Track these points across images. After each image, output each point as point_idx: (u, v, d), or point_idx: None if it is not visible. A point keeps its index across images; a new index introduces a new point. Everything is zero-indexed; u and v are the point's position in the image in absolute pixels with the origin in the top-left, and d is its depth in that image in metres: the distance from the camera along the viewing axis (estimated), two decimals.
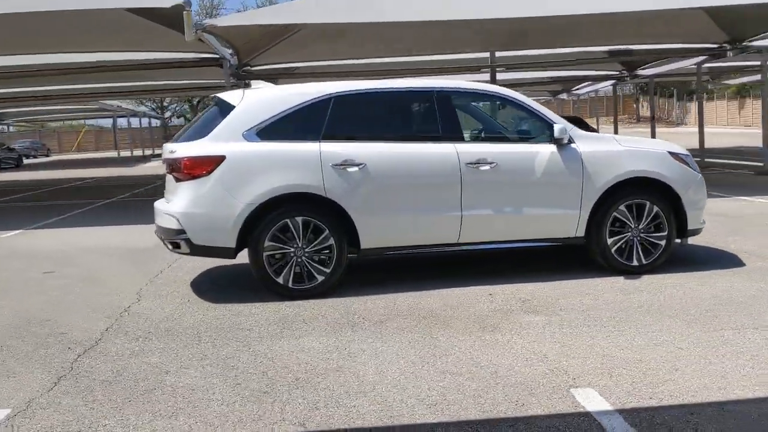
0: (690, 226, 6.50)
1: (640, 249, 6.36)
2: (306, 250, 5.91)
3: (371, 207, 5.96)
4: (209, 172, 5.82)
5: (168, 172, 6.23)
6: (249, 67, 15.93)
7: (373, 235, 6.00)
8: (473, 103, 6.54)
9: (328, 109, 6.09)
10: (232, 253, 5.90)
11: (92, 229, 10.93)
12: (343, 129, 6.12)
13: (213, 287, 6.50)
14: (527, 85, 28.26)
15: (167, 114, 55.73)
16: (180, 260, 7.79)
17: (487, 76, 16.51)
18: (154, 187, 19.64)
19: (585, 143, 6.33)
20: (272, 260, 5.88)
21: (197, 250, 5.94)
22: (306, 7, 11.73)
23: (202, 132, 6.11)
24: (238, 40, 12.66)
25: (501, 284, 6.11)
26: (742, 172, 16.50)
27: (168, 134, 48.15)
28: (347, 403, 3.68)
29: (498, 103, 6.71)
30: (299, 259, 5.90)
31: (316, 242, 5.91)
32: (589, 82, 29.08)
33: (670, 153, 6.53)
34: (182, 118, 51.74)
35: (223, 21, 10.91)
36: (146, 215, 11.79)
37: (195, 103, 45.61)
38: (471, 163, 6.09)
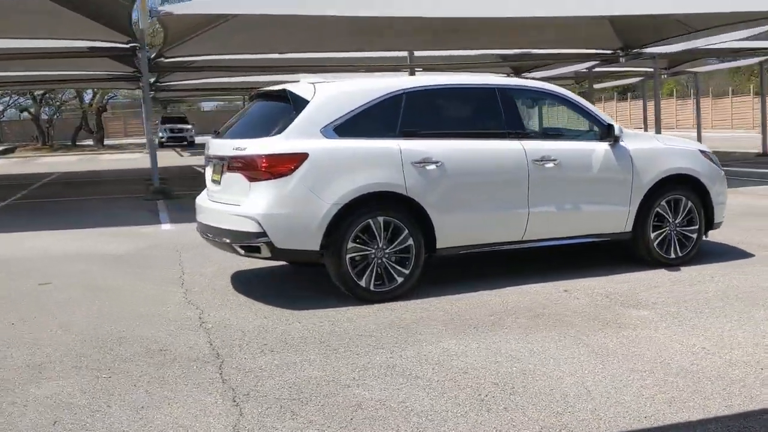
0: (716, 220, 6.94)
1: (676, 242, 6.71)
2: (386, 251, 5.69)
3: (448, 205, 5.85)
4: (292, 171, 5.44)
5: (226, 170, 5.77)
6: (162, 59, 15.01)
7: (449, 234, 5.89)
8: (531, 101, 6.58)
9: (401, 105, 5.90)
10: (316, 255, 5.55)
11: (34, 235, 9.81)
12: (417, 126, 5.97)
13: (265, 293, 6.07)
14: None
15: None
16: (185, 265, 7.24)
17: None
18: (42, 187, 18.05)
19: (632, 141, 6.58)
20: (354, 262, 5.60)
21: (279, 254, 5.54)
22: None
23: (267, 127, 5.73)
24: (172, 29, 11.88)
25: (563, 280, 6.19)
26: None
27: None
28: (585, 407, 3.59)
29: (551, 102, 6.80)
30: (379, 261, 5.67)
31: (396, 243, 5.71)
32: None
33: (700, 151, 6.95)
34: (26, 113, 47.34)
35: (180, 8, 10.17)
36: (72, 217, 10.86)
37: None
38: (537, 160, 6.14)
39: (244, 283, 6.53)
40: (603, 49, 18.13)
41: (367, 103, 5.80)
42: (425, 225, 5.79)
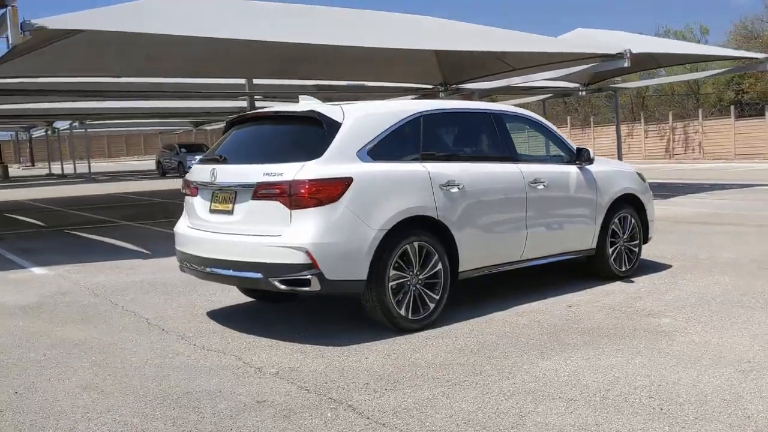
0: (650, 234, 7.70)
1: (625, 256, 7.33)
2: (419, 276, 5.55)
3: (469, 228, 5.86)
4: (339, 196, 5.11)
5: (251, 198, 5.28)
6: None
7: (469, 256, 5.89)
8: (516, 126, 6.80)
9: (420, 128, 5.84)
10: (362, 286, 5.23)
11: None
12: (435, 148, 5.98)
13: (283, 329, 5.59)
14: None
15: None
16: (140, 309, 6.45)
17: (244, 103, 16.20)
18: None
19: (593, 165, 7.09)
20: (393, 291, 5.39)
21: (327, 287, 5.12)
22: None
23: (297, 151, 5.36)
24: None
25: (552, 297, 6.45)
26: None
27: None
28: (760, 408, 3.81)
29: (529, 127, 7.06)
30: (414, 287, 5.51)
31: (427, 268, 5.59)
32: None
33: (636, 173, 7.68)
34: None
35: (56, 22, 8.92)
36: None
37: None
38: (531, 183, 6.39)
39: (238, 321, 5.98)
40: (425, 83, 19.12)
41: (394, 125, 5.66)
42: (450, 248, 5.75)
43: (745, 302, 6.09)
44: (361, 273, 5.18)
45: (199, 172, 5.90)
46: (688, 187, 18.85)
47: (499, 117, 6.48)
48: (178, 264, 6.16)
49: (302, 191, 5.07)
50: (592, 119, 41.07)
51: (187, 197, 6.05)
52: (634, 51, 14.76)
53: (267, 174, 5.22)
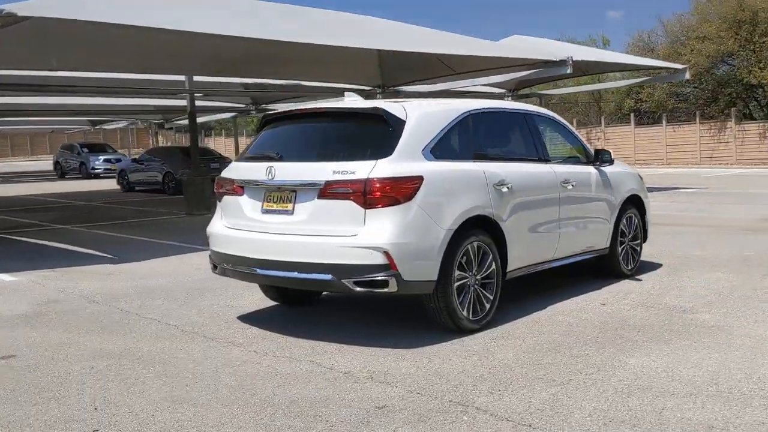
0: (648, 235, 7.97)
1: (630, 255, 7.55)
2: (477, 277, 5.49)
3: (516, 228, 5.86)
4: (412, 196, 4.98)
5: (317, 197, 5.06)
6: None
7: (516, 256, 5.88)
8: (543, 127, 6.83)
9: (470, 127, 5.79)
10: (432, 287, 5.11)
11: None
12: (485, 147, 5.97)
13: (337, 332, 5.39)
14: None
15: None
16: (157, 313, 6.08)
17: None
18: None
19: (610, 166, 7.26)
20: (457, 291, 5.30)
21: (403, 288, 4.96)
22: None
23: (363, 149, 5.20)
24: None
25: (580, 296, 6.57)
26: None
27: None
28: None
29: (551, 128, 7.10)
30: (473, 288, 5.45)
31: (483, 268, 5.54)
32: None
33: (637, 174, 7.92)
34: None
35: (29, 9, 8.15)
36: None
37: None
38: (562, 182, 6.47)
39: (279, 325, 5.77)
40: (364, 85, 19.04)
41: (449, 123, 5.58)
42: (501, 248, 5.72)
43: (761, 296, 6.40)
44: (433, 274, 5.07)
45: (247, 169, 5.61)
46: None
47: (531, 117, 6.53)
48: (212, 265, 5.83)
49: (377, 190, 4.90)
50: None
51: (225, 197, 5.73)
52: (575, 58, 15.28)
53: (337, 172, 5.02)
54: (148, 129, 44.13)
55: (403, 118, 5.27)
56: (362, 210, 4.93)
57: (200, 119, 26.24)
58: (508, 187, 5.76)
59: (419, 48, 15.17)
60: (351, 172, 4.98)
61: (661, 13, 79.90)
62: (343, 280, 4.94)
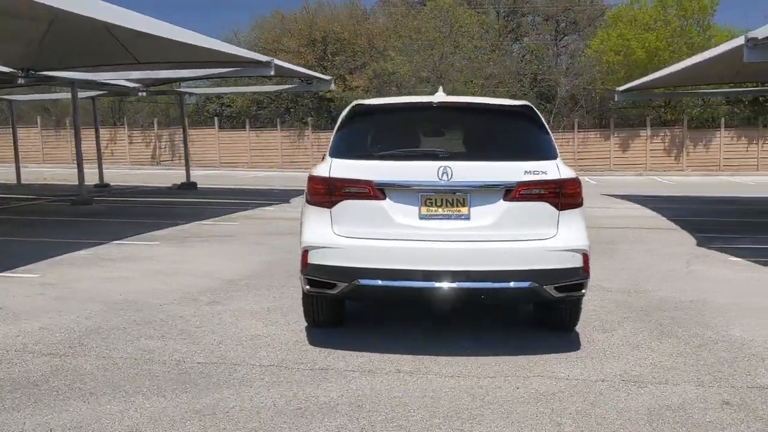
0: None
1: None
2: None
3: None
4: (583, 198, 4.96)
5: (505, 199, 4.68)
6: None
7: None
8: None
9: None
10: None
11: None
12: None
13: (462, 342, 4.99)
14: None
15: None
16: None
17: None
18: None
19: None
20: None
21: (584, 291, 4.87)
22: None
23: (528, 148, 5.01)
24: None
25: None
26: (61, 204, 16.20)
27: None
28: None
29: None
30: None
31: None
32: None
33: None
34: None
35: None
36: None
37: None
38: None
39: (364, 341, 5.01)
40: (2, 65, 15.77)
41: None
42: None
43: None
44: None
45: (397, 170, 4.77)
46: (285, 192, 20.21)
47: None
48: (316, 284, 4.75)
49: (570, 191, 4.78)
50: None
51: (344, 202, 4.74)
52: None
53: (528, 172, 4.70)
54: None
55: (541, 118, 5.19)
56: (556, 212, 4.75)
57: None
58: None
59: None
60: (543, 172, 4.75)
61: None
62: (544, 287, 4.66)
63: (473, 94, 34.15)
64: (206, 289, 6.98)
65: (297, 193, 19.46)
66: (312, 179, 4.90)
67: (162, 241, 10.22)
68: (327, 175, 4.84)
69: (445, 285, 4.63)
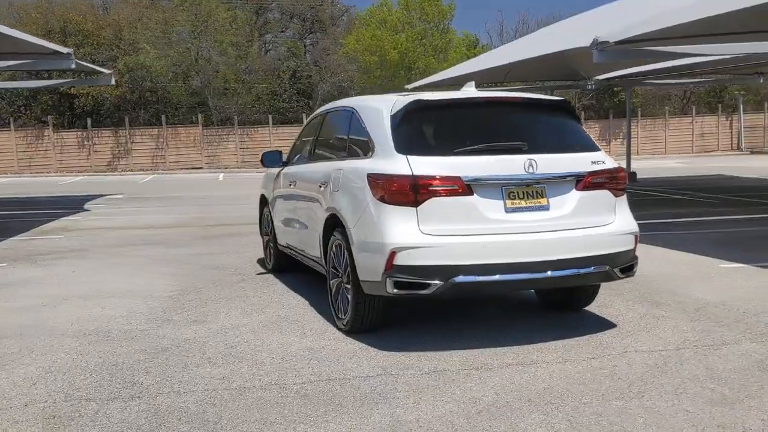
0: None
1: None
2: None
3: None
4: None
5: (577, 188, 4.96)
6: None
7: None
8: None
9: None
10: None
11: None
12: None
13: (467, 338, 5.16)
14: None
15: None
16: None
17: None
18: None
19: None
20: None
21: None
22: None
23: (572, 139, 5.31)
24: None
25: None
26: None
27: None
28: None
29: None
30: None
31: None
32: None
33: None
34: None
35: None
36: None
37: None
38: None
39: (403, 340, 5.01)
40: None
41: None
42: None
43: None
44: None
45: (483, 165, 4.75)
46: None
47: None
48: (408, 285, 4.57)
49: (622, 179, 5.16)
50: None
51: (433, 199, 4.62)
52: None
53: (594, 162, 5.00)
54: None
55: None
56: (614, 198, 5.10)
57: None
58: None
59: None
60: (602, 162, 5.07)
61: None
62: (615, 269, 4.98)
63: (235, 90, 33.54)
64: (164, 308, 6.22)
65: (74, 199, 17.58)
66: (388, 178, 4.71)
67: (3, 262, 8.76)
68: (410, 173, 4.66)
69: (540, 275, 4.77)
